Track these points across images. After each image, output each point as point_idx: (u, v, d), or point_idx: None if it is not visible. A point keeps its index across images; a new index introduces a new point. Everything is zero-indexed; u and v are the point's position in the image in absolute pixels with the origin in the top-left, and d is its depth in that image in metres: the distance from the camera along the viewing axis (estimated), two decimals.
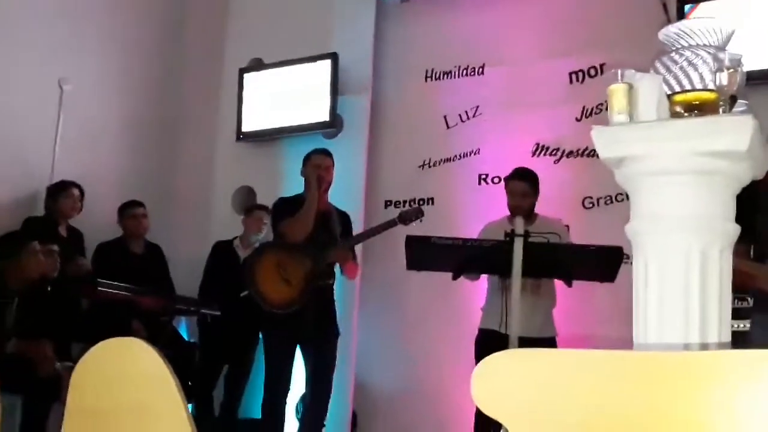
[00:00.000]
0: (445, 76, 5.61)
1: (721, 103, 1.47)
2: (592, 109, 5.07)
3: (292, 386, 4.41)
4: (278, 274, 4.32)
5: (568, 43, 5.18)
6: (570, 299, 4.31)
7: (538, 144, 5.16)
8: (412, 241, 3.84)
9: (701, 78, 1.46)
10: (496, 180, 5.18)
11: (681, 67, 1.46)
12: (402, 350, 5.28)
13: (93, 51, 5.62)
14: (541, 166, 4.77)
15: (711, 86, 1.46)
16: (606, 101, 5.00)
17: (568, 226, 4.62)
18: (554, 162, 5.10)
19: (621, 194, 4.81)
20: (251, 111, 6.05)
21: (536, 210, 4.29)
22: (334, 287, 4.52)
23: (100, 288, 4.58)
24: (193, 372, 5.07)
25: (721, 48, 1.49)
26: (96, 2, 5.65)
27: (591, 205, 4.95)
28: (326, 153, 4.57)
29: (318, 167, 4.43)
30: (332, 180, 4.50)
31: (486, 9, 5.45)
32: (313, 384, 4.35)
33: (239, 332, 5.13)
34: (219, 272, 5.39)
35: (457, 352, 4.58)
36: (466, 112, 5.46)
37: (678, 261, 1.42)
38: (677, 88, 1.47)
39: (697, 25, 1.51)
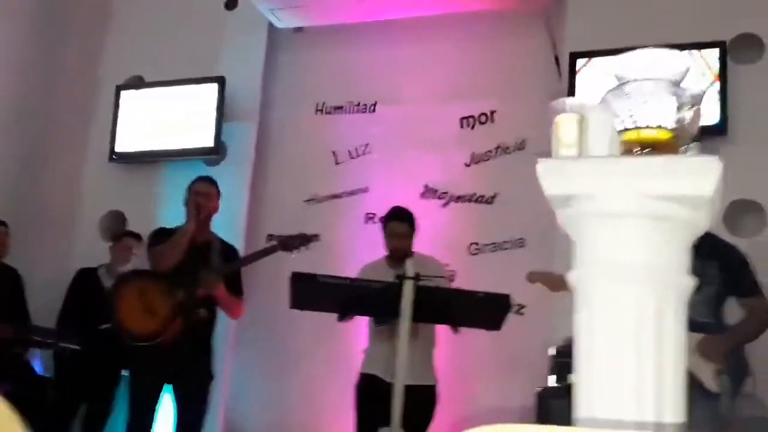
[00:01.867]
0: (336, 110, 5.50)
1: (682, 143, 1.40)
2: (481, 155, 5.09)
3: (155, 429, 4.07)
4: (141, 303, 4.01)
5: (461, 87, 5.20)
6: (452, 346, 4.23)
7: (426, 186, 5.12)
8: (297, 278, 3.65)
9: (658, 114, 1.38)
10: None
11: (635, 101, 1.38)
12: (278, 393, 5.05)
13: None
14: (429, 208, 4.73)
15: (668, 124, 1.38)
16: (496, 148, 5.05)
17: (453, 271, 4.59)
18: (442, 205, 5.07)
19: (507, 242, 4.86)
20: (127, 131, 5.70)
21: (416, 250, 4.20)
22: (215, 325, 4.22)
23: None
24: (45, 410, 4.62)
25: (677, 83, 1.42)
26: None
27: (477, 251, 4.93)
28: (210, 181, 4.32)
29: (198, 195, 4.18)
30: (216, 210, 4.24)
31: (381, 46, 5.41)
32: (180, 430, 4.04)
33: (100, 368, 4.75)
34: (81, 302, 5.00)
35: (336, 397, 4.40)
36: (356, 148, 5.36)
37: (630, 317, 1.30)
38: (630, 124, 1.38)
39: (652, 56, 1.43)
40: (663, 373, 1.28)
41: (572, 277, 1.40)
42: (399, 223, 4.15)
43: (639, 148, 1.39)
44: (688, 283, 1.37)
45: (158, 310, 3.98)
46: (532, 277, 3.92)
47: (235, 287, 4.17)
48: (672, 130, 1.38)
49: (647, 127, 1.38)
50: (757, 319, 3.06)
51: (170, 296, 3.99)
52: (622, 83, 1.44)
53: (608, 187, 1.34)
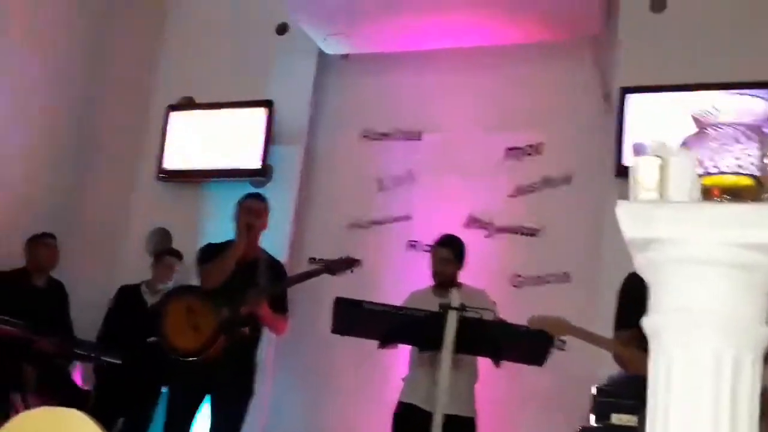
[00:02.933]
0: (382, 136, 5.52)
1: (765, 190, 1.38)
2: (526, 187, 5.07)
3: None
4: (187, 320, 4.07)
5: (508, 117, 5.20)
6: (494, 379, 4.20)
7: (470, 215, 5.11)
8: (340, 304, 3.67)
9: (740, 159, 1.37)
10: (426, 247, 5.06)
11: (718, 145, 1.37)
12: (316, 416, 5.04)
13: (11, 72, 5.25)
14: (472, 238, 4.70)
15: (750, 170, 1.37)
16: (541, 180, 5.01)
17: (495, 303, 4.56)
18: (485, 236, 5.05)
19: (551, 275, 4.81)
20: (176, 150, 5.79)
21: (462, 281, 4.18)
22: (259, 343, 4.25)
23: None
24: None
25: (760, 128, 1.40)
26: (15, 23, 5.29)
27: (520, 284, 4.89)
28: (260, 198, 4.39)
29: (248, 212, 4.23)
30: (265, 226, 4.29)
31: (428, 74, 5.44)
32: None
33: (139, 384, 4.79)
34: (123, 317, 5.07)
35: (374, 424, 4.38)
36: (401, 176, 5.37)
37: (707, 366, 1.28)
38: (712, 169, 1.37)
39: (736, 100, 1.42)
40: (738, 425, 1.25)
41: (649, 323, 1.39)
42: (442, 248, 4.17)
43: (720, 194, 1.38)
44: (767, 333, 1.35)
45: (203, 327, 4.03)
46: (534, 322, 3.89)
47: (281, 305, 4.22)
48: (754, 176, 1.37)
49: (730, 172, 1.37)
50: None
51: (215, 314, 4.04)
52: (703, 126, 1.43)
53: (690, 233, 1.33)
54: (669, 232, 1.34)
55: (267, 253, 4.34)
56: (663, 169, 1.38)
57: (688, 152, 1.41)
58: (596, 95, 4.99)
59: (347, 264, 4.23)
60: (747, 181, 1.38)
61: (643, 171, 1.38)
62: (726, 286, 1.32)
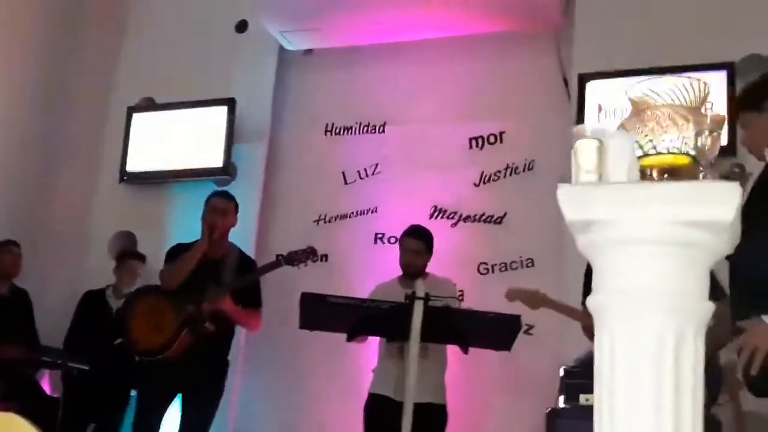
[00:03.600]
0: (346, 131, 5.53)
1: (701, 168, 1.40)
2: (490, 176, 5.10)
3: None
4: (150, 320, 4.06)
5: (470, 108, 5.23)
6: (462, 366, 4.22)
7: (435, 206, 5.13)
8: (307, 299, 3.66)
9: (677, 139, 1.38)
10: (392, 240, 5.08)
11: (653, 127, 1.38)
12: (287, 412, 5.03)
13: None
14: (438, 228, 4.71)
15: (687, 149, 1.39)
16: (504, 168, 5.05)
17: (462, 291, 4.58)
18: (451, 225, 5.07)
19: (515, 262, 4.86)
20: (139, 152, 5.74)
21: (430, 271, 4.20)
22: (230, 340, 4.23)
23: None
24: (54, 430, 4.62)
25: (698, 108, 1.42)
26: None
27: (486, 271, 4.93)
28: (226, 195, 4.38)
29: (214, 210, 4.21)
30: (233, 224, 4.28)
31: (390, 67, 5.45)
32: None
33: (108, 387, 4.75)
34: (88, 323, 5.03)
35: (345, 417, 4.38)
36: (365, 169, 5.38)
37: (650, 344, 1.29)
38: (649, 149, 1.39)
39: (671, 82, 1.43)
40: (682, 400, 1.27)
41: (592, 303, 1.41)
42: (413, 239, 4.17)
43: (658, 174, 1.40)
44: (708, 308, 1.37)
45: (166, 325, 4.02)
46: (511, 295, 3.96)
47: (252, 300, 4.19)
48: (691, 155, 1.39)
49: (666, 152, 1.39)
50: None
51: (177, 312, 4.03)
52: (640, 109, 1.45)
53: (629, 213, 1.34)
54: (607, 213, 1.36)
55: (238, 249, 4.33)
56: (601, 151, 1.40)
57: (626, 134, 1.42)
58: (557, 83, 5.03)
59: (306, 254, 4.22)
60: (684, 160, 1.39)
61: (582, 154, 1.40)
62: (666, 264, 1.34)
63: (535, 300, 3.88)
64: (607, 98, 4.63)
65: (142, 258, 5.16)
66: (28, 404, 4.48)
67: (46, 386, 5.14)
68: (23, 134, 5.54)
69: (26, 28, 5.60)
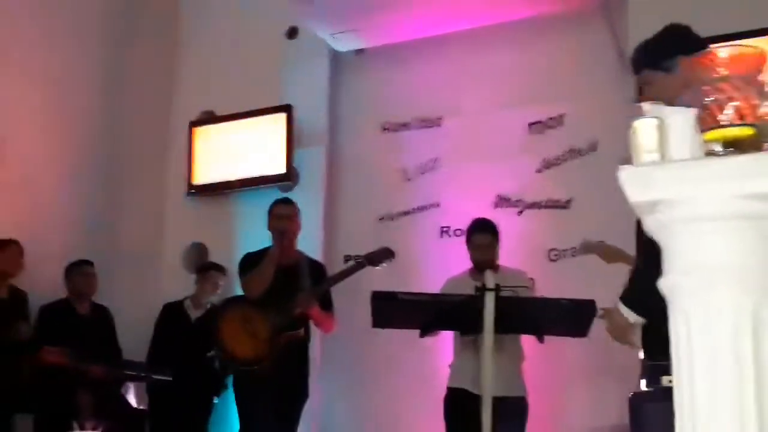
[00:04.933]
0: (402, 127, 5.52)
1: (765, 139, 1.35)
2: (552, 160, 5.03)
3: None
4: (243, 328, 4.13)
5: (526, 93, 5.15)
6: (540, 355, 4.17)
7: (499, 195, 5.08)
8: (377, 298, 3.67)
9: (739, 111, 1.33)
10: (458, 232, 5.06)
11: (715, 100, 1.34)
12: (366, 411, 5.06)
13: (32, 100, 5.35)
14: (503, 217, 4.68)
15: (750, 120, 1.33)
16: (567, 151, 4.95)
17: (533, 279, 4.53)
18: (517, 213, 5.02)
19: None
20: (202, 164, 5.86)
21: (500, 262, 4.17)
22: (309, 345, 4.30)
23: (45, 356, 4.27)
24: None
25: (756, 76, 1.37)
26: (36, 48, 5.39)
27: (556, 257, 4.86)
28: (288, 202, 4.44)
29: (279, 218, 4.28)
30: (299, 228, 4.34)
31: (441, 60, 5.41)
32: None
33: (192, 398, 4.86)
34: (169, 335, 5.15)
35: (425, 412, 4.38)
36: (425, 163, 5.36)
37: (727, 321, 1.25)
38: (712, 123, 1.34)
39: (729, 52, 1.38)
40: (763, 375, 1.23)
41: (665, 285, 1.37)
42: (482, 234, 4.14)
43: (722, 148, 1.35)
44: None
45: (260, 334, 4.09)
46: (587, 248, 3.87)
47: (326, 303, 4.28)
48: (754, 126, 1.34)
49: (729, 125, 1.34)
50: None
51: (267, 319, 4.10)
52: (699, 81, 1.40)
53: (695, 190, 1.30)
54: (672, 192, 1.32)
55: (305, 254, 4.39)
56: (661, 129, 1.36)
57: (686, 110, 1.38)
58: (613, 60, 4.92)
59: (386, 254, 4.26)
60: (748, 132, 1.34)
61: (642, 133, 1.36)
62: (736, 239, 1.30)
63: (611, 254, 3.81)
64: None
65: (222, 270, 5.28)
66: (116, 419, 4.61)
67: (132, 399, 5.29)
68: (90, 157, 5.71)
69: (86, 57, 5.76)
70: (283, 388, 4.08)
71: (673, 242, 1.35)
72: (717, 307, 1.28)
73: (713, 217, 1.29)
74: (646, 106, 1.44)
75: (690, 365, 1.28)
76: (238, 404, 4.25)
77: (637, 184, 1.35)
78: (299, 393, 4.20)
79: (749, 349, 1.24)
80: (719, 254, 1.30)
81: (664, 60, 2.46)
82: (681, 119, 1.35)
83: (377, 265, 4.24)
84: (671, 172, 1.33)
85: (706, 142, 1.37)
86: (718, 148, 1.36)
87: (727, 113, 1.33)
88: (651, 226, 1.40)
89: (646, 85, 2.56)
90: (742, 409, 1.23)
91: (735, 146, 1.35)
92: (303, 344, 4.25)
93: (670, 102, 2.44)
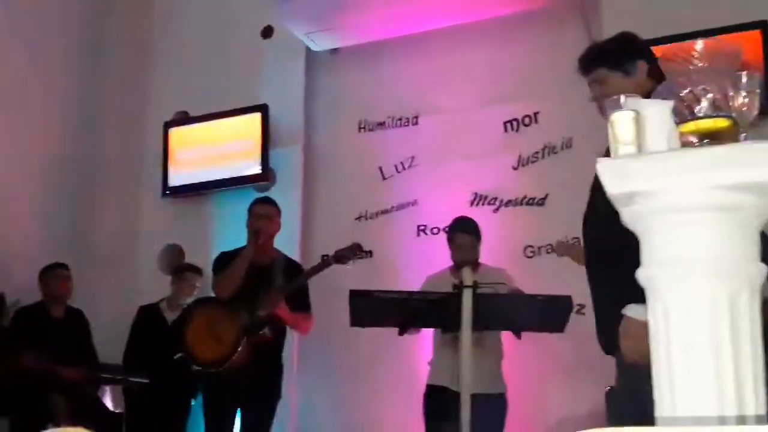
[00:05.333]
0: (379, 126, 5.53)
1: (741, 130, 1.37)
2: (528, 158, 5.05)
3: None
4: (208, 331, 4.10)
5: (502, 91, 5.17)
6: (518, 352, 4.19)
7: (476, 193, 5.10)
8: (355, 296, 3.67)
9: (715, 103, 1.35)
10: (435, 230, 5.09)
11: (690, 92, 1.35)
12: (345, 409, 5.06)
13: (2, 102, 5.28)
14: (480, 215, 4.68)
15: (726, 112, 1.35)
16: (542, 149, 4.99)
17: (511, 276, 4.54)
18: (493, 211, 5.04)
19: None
20: (178, 165, 5.82)
21: (482, 261, 4.19)
22: (283, 345, 4.27)
23: (21, 359, 4.22)
24: None
25: (733, 69, 1.39)
26: (4, 49, 5.32)
27: (533, 254, 4.89)
28: (268, 201, 4.41)
29: (258, 217, 4.25)
30: (278, 229, 4.31)
31: (418, 58, 5.42)
32: None
33: (169, 400, 4.83)
34: (145, 337, 5.11)
35: (405, 410, 4.39)
36: (402, 162, 5.37)
37: (704, 311, 1.27)
38: (687, 115, 1.36)
39: (704, 45, 1.40)
40: (741, 364, 1.25)
41: (642, 275, 1.38)
42: (461, 234, 4.15)
43: (698, 140, 1.37)
44: (760, 271, 1.34)
45: (224, 335, 4.06)
46: (559, 250, 3.89)
47: (302, 304, 4.23)
48: (730, 118, 1.35)
49: (705, 117, 1.35)
50: None
51: (234, 321, 4.06)
52: (675, 75, 1.41)
53: (672, 181, 1.32)
54: (649, 184, 1.33)
55: (283, 254, 4.36)
56: (638, 121, 1.37)
57: (663, 102, 1.40)
58: None
59: (352, 250, 4.22)
60: (723, 123, 1.36)
61: (619, 126, 1.37)
62: (713, 229, 1.32)
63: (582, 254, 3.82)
64: None
65: (198, 271, 5.24)
66: (93, 422, 4.57)
67: (108, 402, 5.24)
68: (63, 158, 5.65)
69: (55, 55, 5.69)
70: (249, 390, 4.04)
71: (649, 233, 1.37)
72: (694, 298, 1.29)
73: (690, 208, 1.31)
74: (623, 97, 1.45)
75: (668, 355, 1.30)
76: (203, 406, 4.23)
77: (614, 176, 1.37)
78: (268, 394, 4.15)
79: (727, 338, 1.26)
80: (696, 245, 1.32)
81: (625, 62, 2.54)
82: (657, 111, 1.37)
83: (345, 262, 4.20)
84: (648, 164, 1.35)
85: (683, 134, 1.39)
86: (695, 139, 1.38)
87: (703, 105, 1.35)
88: (628, 219, 1.41)
89: (598, 84, 2.63)
90: (720, 399, 1.25)
91: (711, 138, 1.36)
92: (272, 345, 4.19)
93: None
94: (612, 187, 1.38)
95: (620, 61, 2.57)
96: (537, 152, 5.04)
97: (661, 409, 1.28)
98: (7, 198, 5.20)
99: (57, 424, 4.40)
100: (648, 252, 1.37)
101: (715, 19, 4.19)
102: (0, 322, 4.62)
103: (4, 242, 4.88)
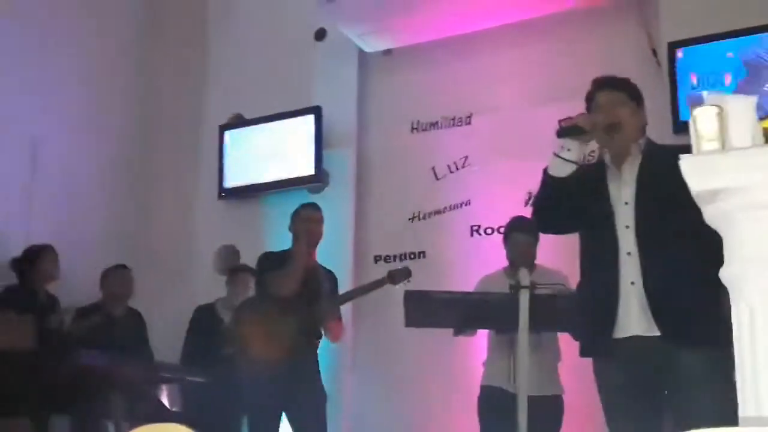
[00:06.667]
0: (432, 126, 5.51)
1: None
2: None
3: None
4: (266, 330, 4.12)
5: (557, 89, 5.09)
6: (576, 354, 4.12)
7: (530, 193, 5.01)
8: (411, 297, 3.65)
9: None
10: (489, 231, 5.05)
11: None
12: (400, 412, 5.04)
13: (66, 104, 5.42)
14: None
15: None
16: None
17: (566, 277, 4.48)
18: None
19: None
20: (233, 167, 5.90)
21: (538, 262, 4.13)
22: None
23: (82, 358, 4.30)
24: None
25: None
26: (68, 51, 5.46)
27: None
28: (316, 207, 4.42)
29: (308, 221, 4.27)
30: (322, 235, 4.32)
31: (469, 57, 5.39)
32: None
33: (226, 399, 4.87)
34: (202, 337, 5.16)
35: (458, 412, 4.35)
36: (455, 162, 5.34)
37: None
38: None
39: None
40: None
41: (725, 274, 1.35)
42: (520, 233, 4.10)
43: None
44: None
45: (282, 336, 4.08)
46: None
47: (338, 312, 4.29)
48: None
49: None
50: None
51: (291, 322, 4.09)
52: (757, 70, 1.38)
53: (758, 177, 1.28)
54: (734, 180, 1.30)
55: (320, 264, 4.40)
56: (721, 117, 1.33)
57: (746, 97, 1.36)
58: (645, 54, 4.86)
59: (405, 274, 4.26)
60: None
61: (702, 122, 1.34)
62: None
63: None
64: (700, 65, 4.45)
65: (253, 271, 5.28)
66: (150, 421, 4.63)
67: (165, 402, 5.31)
68: (123, 161, 5.78)
69: (113, 56, 5.82)
70: (295, 393, 4.05)
71: (734, 231, 1.33)
72: None
73: None
74: (706, 93, 1.42)
75: (753, 359, 1.26)
76: (249, 416, 4.27)
77: (698, 173, 1.33)
78: (317, 397, 4.16)
79: None
80: None
81: (640, 101, 2.83)
82: (741, 107, 1.33)
83: (397, 283, 4.22)
84: (732, 160, 1.31)
85: (766, 130, 1.35)
86: None
87: None
88: (711, 216, 1.38)
89: (611, 105, 2.84)
90: None
91: None
92: (315, 350, 4.26)
93: (616, 133, 2.76)
94: (696, 185, 1.34)
95: (639, 97, 2.84)
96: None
97: (744, 410, 1.24)
98: (66, 199, 5.33)
99: (116, 423, 4.49)
100: (732, 250, 1.33)
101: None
102: (56, 324, 4.70)
103: (65, 244, 4.98)
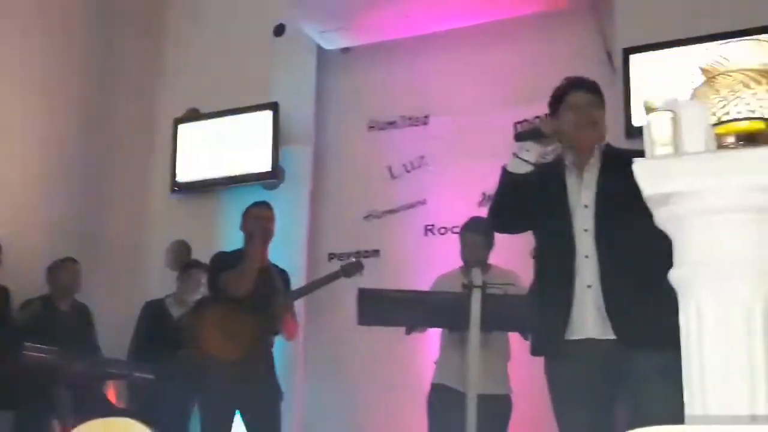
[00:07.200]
0: (389, 125, 5.52)
1: None
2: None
3: None
4: (222, 329, 4.08)
5: (513, 93, 5.16)
6: (525, 354, 4.16)
7: (484, 194, 5.06)
8: (364, 295, 3.65)
9: (750, 104, 1.34)
10: (443, 231, 5.07)
11: (726, 93, 1.34)
12: (352, 410, 5.03)
13: (13, 99, 5.29)
14: None
15: (763, 114, 1.34)
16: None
17: (520, 278, 4.52)
18: None
19: None
20: (187, 162, 5.82)
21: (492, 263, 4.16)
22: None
23: (26, 352, 4.20)
24: None
25: (766, 71, 1.38)
26: (15, 45, 5.32)
27: None
28: (267, 205, 4.39)
29: (259, 219, 4.24)
30: (273, 233, 4.30)
31: (429, 59, 5.41)
32: None
33: (174, 397, 4.81)
34: (150, 332, 5.10)
35: (409, 410, 4.36)
36: (411, 162, 5.36)
37: (738, 313, 1.26)
38: (723, 117, 1.35)
39: (742, 47, 1.39)
40: None
41: (674, 276, 1.38)
42: (473, 234, 4.13)
43: (734, 141, 1.36)
44: None
45: (240, 334, 4.05)
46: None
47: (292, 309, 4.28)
48: (766, 120, 1.34)
49: (741, 118, 1.34)
50: None
51: (248, 320, 4.06)
52: (711, 75, 1.41)
53: (709, 182, 1.31)
54: (687, 185, 1.33)
55: (271, 262, 4.38)
56: (675, 122, 1.36)
57: (700, 103, 1.39)
58: (600, 59, 4.93)
59: (358, 267, 4.32)
60: (760, 125, 1.35)
61: (656, 127, 1.36)
62: (749, 231, 1.31)
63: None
64: (654, 71, 4.53)
65: (205, 267, 5.22)
66: (96, 416, 4.55)
67: (112, 397, 5.23)
68: (73, 153, 5.65)
69: (68, 50, 5.70)
70: (250, 391, 4.02)
71: (684, 234, 1.36)
72: (730, 299, 1.28)
73: (725, 209, 1.31)
74: (658, 98, 1.44)
75: (700, 357, 1.29)
76: (201, 413, 4.22)
77: (651, 177, 1.36)
78: (270, 393, 4.15)
79: (762, 341, 1.26)
80: (731, 246, 1.31)
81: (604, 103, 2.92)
82: (695, 113, 1.36)
83: (350, 276, 4.27)
84: (685, 165, 1.34)
85: (719, 135, 1.38)
86: (731, 141, 1.37)
87: (740, 107, 1.34)
88: (662, 219, 1.40)
89: (595, 109, 2.87)
90: (752, 399, 1.24)
91: (748, 140, 1.35)
92: (269, 347, 4.25)
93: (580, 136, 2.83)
94: (648, 188, 1.37)
95: (604, 102, 2.94)
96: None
97: (691, 408, 1.27)
98: (16, 193, 5.20)
99: (61, 418, 4.40)
100: (682, 253, 1.36)
101: (729, 21, 4.16)
102: (6, 316, 4.61)
103: (13, 237, 4.87)
